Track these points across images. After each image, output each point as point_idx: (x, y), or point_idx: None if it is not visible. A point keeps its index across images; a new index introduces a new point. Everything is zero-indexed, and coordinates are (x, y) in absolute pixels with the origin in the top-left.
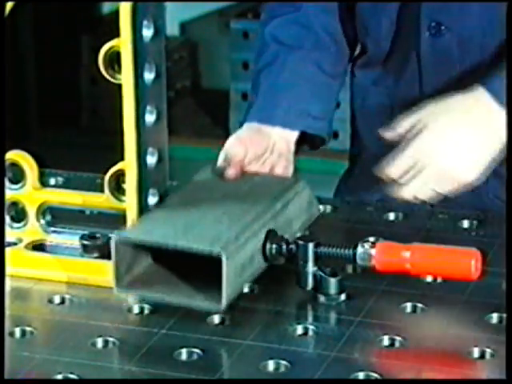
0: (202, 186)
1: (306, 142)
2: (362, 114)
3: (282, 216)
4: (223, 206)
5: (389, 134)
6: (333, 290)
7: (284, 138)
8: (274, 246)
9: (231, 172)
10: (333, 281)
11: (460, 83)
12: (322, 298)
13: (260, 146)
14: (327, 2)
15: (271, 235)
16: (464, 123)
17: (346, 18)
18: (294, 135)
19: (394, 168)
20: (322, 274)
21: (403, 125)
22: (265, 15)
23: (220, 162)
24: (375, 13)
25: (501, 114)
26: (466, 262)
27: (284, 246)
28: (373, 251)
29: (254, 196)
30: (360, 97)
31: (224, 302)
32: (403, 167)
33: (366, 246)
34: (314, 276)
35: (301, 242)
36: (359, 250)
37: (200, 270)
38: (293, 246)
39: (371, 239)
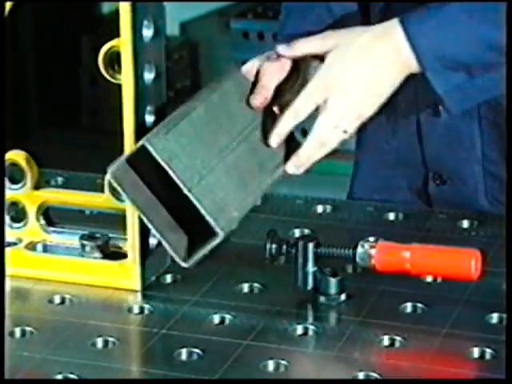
0: (227, 105)
1: None
2: None
3: (271, 187)
4: (236, 151)
5: (284, 51)
6: (333, 290)
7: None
8: (274, 246)
9: (259, 101)
10: (333, 281)
11: None
12: (322, 298)
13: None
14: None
15: (271, 235)
16: (364, 56)
17: None
18: None
19: (298, 106)
20: (322, 274)
21: (302, 49)
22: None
23: (248, 67)
24: None
25: (406, 50)
26: (466, 262)
27: (284, 246)
28: (373, 251)
29: (262, 153)
30: None
31: (190, 264)
32: (307, 105)
33: (366, 245)
34: (314, 276)
35: (301, 242)
36: (359, 249)
37: (186, 207)
38: (293, 246)
39: (371, 239)
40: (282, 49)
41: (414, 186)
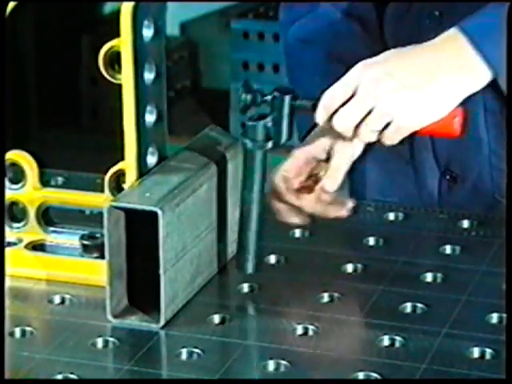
0: (217, 190)
1: None
2: None
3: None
4: (204, 240)
5: (319, 119)
6: (260, 136)
7: None
8: (249, 95)
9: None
10: (259, 125)
11: None
12: (249, 144)
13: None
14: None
15: (245, 84)
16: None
17: None
18: None
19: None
20: (249, 121)
21: (331, 105)
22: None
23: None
24: None
25: (472, 54)
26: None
27: (259, 96)
28: None
29: (217, 247)
30: None
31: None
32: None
33: None
34: (243, 124)
35: (277, 93)
36: None
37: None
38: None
39: None
40: (319, 118)
41: (424, 183)
